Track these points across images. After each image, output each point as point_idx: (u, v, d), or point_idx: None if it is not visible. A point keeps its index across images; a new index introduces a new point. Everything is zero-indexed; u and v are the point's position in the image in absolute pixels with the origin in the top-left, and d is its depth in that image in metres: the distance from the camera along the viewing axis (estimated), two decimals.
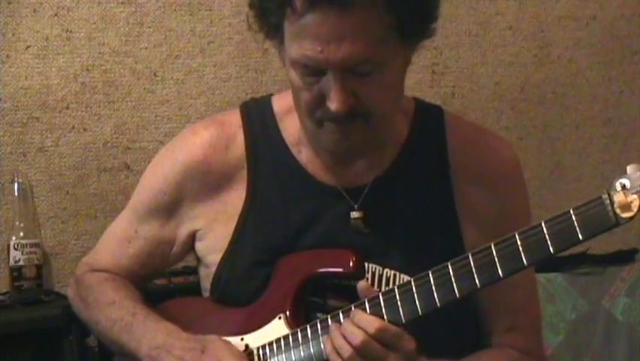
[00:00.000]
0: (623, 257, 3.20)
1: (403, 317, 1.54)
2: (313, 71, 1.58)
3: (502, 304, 1.77)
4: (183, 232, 1.82)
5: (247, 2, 1.64)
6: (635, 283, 3.15)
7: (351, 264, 1.65)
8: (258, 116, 1.80)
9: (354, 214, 1.72)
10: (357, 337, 1.52)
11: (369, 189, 1.73)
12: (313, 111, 1.63)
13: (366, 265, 1.69)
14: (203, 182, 1.78)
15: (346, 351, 1.53)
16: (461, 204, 1.74)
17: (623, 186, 1.38)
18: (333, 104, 1.57)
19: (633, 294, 3.14)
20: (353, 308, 1.58)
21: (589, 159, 3.41)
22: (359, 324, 1.54)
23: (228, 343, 1.67)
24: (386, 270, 1.69)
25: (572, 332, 3.11)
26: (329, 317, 1.61)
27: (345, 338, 1.54)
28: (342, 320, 1.58)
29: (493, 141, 1.83)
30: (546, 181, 3.34)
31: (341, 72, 1.56)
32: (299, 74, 1.60)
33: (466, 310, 1.75)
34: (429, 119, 1.79)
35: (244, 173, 1.77)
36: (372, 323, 1.53)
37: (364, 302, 1.57)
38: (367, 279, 1.68)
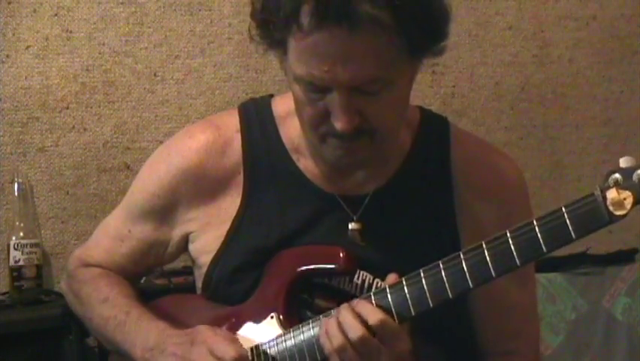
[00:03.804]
0: (623, 257, 3.21)
1: (395, 317, 1.53)
2: (318, 88, 1.54)
3: (500, 327, 1.76)
4: (177, 233, 1.80)
5: (249, 12, 1.59)
6: (635, 283, 3.16)
7: (341, 260, 1.64)
8: (256, 119, 1.77)
9: (353, 225, 1.69)
10: (355, 330, 1.50)
11: (369, 201, 1.70)
12: (317, 127, 1.59)
13: (357, 271, 1.67)
14: (198, 187, 1.76)
15: (339, 341, 1.51)
16: (463, 220, 1.71)
17: (616, 182, 1.36)
18: (339, 124, 1.54)
19: (633, 294, 3.14)
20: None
21: (589, 159, 3.40)
22: (360, 313, 1.51)
23: (216, 329, 1.65)
24: (377, 280, 1.66)
25: (572, 332, 3.11)
26: (321, 317, 1.59)
27: (341, 327, 1.51)
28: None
29: (499, 159, 1.80)
30: (546, 181, 3.33)
31: (347, 91, 1.51)
32: (303, 89, 1.56)
33: (462, 329, 1.74)
34: (434, 131, 1.76)
35: (240, 178, 1.75)
36: (375, 314, 1.51)
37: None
38: (357, 285, 1.66)
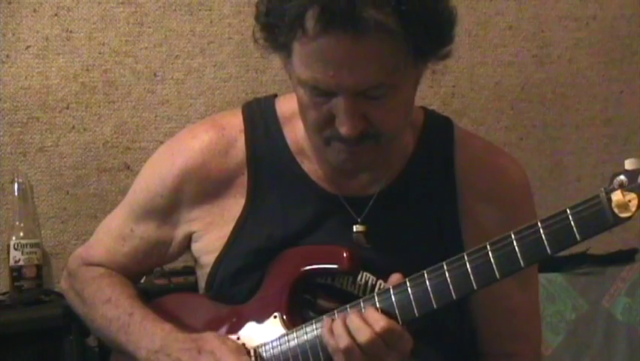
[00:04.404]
0: (623, 257, 3.21)
1: (399, 318, 1.53)
2: (323, 92, 1.53)
3: (501, 330, 1.76)
4: (180, 233, 1.80)
5: (253, 15, 1.58)
6: (635, 283, 3.16)
7: (344, 260, 1.63)
8: (260, 120, 1.76)
9: (357, 228, 1.68)
10: (364, 332, 1.50)
11: (373, 203, 1.69)
12: (321, 130, 1.58)
13: (361, 272, 1.67)
14: (201, 187, 1.75)
15: (346, 342, 1.51)
16: (466, 222, 1.71)
17: (621, 184, 1.35)
18: (344, 128, 1.53)
19: (633, 294, 3.14)
20: (348, 308, 1.56)
21: (589, 159, 3.40)
22: (367, 320, 1.51)
23: (224, 338, 1.65)
24: (380, 281, 1.66)
25: (572, 332, 3.11)
26: (324, 317, 1.59)
27: (349, 330, 1.51)
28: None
29: (503, 160, 1.79)
30: (546, 181, 3.33)
31: (352, 96, 1.50)
32: (307, 93, 1.55)
33: (463, 331, 1.73)
34: (438, 132, 1.75)
35: (244, 179, 1.74)
36: (379, 321, 1.50)
37: (359, 303, 1.56)
38: (360, 286, 1.66)
